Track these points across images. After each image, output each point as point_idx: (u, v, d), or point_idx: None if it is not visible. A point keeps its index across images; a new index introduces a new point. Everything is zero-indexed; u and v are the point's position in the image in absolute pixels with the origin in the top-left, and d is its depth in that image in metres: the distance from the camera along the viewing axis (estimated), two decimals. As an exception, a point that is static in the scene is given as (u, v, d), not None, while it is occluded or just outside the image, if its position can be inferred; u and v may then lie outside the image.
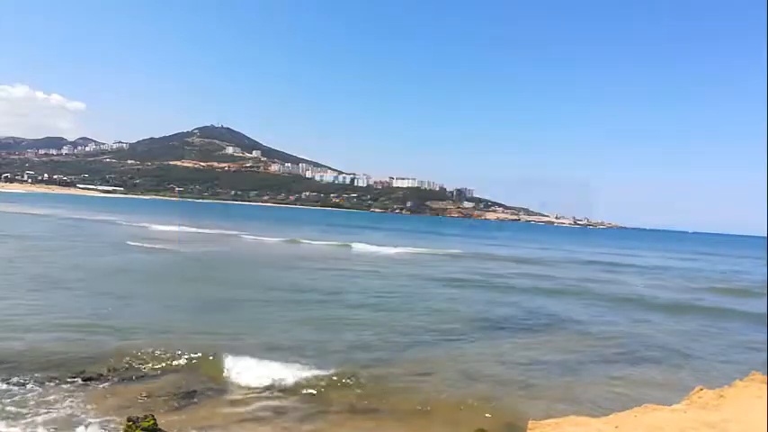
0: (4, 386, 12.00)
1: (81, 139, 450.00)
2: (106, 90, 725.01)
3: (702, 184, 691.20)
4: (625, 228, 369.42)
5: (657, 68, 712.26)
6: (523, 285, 36.50)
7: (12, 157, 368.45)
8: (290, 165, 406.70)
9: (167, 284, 27.40)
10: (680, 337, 23.06)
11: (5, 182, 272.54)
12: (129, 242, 45.52)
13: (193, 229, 67.48)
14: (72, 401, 11.49)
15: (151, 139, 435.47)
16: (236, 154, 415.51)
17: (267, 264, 39.16)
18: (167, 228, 66.48)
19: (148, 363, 14.23)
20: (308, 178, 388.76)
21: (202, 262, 38.19)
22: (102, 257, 35.37)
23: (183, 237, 57.26)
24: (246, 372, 14.01)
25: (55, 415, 10.76)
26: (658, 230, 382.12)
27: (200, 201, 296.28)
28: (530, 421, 9.25)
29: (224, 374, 13.79)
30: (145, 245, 44.33)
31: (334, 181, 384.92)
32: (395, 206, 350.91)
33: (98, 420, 10.67)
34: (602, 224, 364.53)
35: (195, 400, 12.15)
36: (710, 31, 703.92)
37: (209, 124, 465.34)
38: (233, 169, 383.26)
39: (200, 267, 35.34)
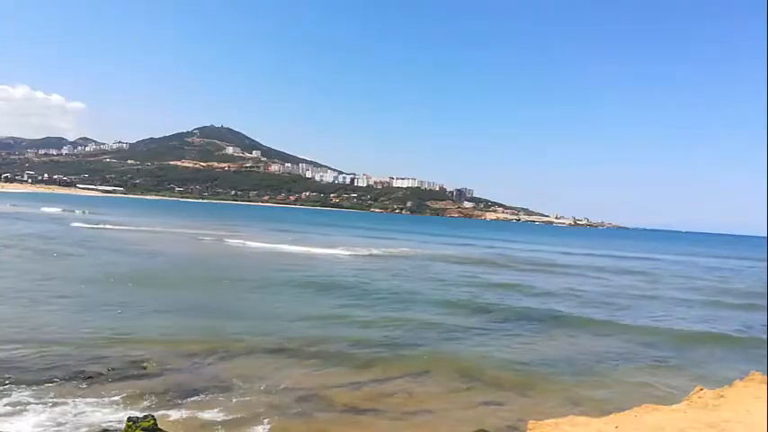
0: (4, 386, 12.01)
1: (81, 139, 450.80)
2: (106, 90, 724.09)
3: (703, 185, 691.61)
4: (625, 228, 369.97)
5: (658, 68, 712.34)
6: (429, 294, 29.37)
7: (12, 157, 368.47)
8: (290, 165, 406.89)
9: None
10: (678, 337, 23.07)
11: (5, 182, 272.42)
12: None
13: (156, 228, 65.35)
14: (72, 401, 11.50)
15: (151, 139, 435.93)
16: (236, 154, 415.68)
17: (164, 267, 34.33)
18: (121, 227, 63.38)
19: (149, 362, 14.25)
20: (308, 178, 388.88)
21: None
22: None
23: (128, 237, 52.23)
24: (243, 373, 14.05)
25: (55, 415, 10.77)
26: (656, 230, 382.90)
27: (200, 201, 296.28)
28: (530, 421, 9.25)
29: (223, 374, 13.81)
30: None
31: (334, 181, 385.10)
32: (395, 206, 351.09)
33: (98, 420, 10.68)
34: (602, 224, 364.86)
35: (196, 399, 12.16)
36: (710, 31, 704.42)
37: (209, 124, 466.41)
38: (233, 169, 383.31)
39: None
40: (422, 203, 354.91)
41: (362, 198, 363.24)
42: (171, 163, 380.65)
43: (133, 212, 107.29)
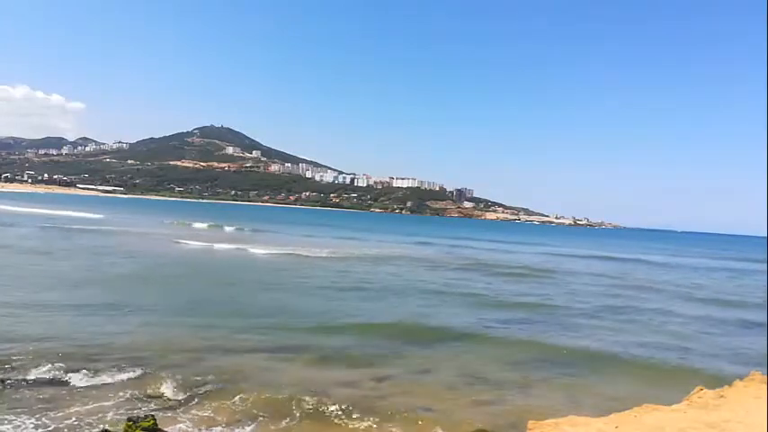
0: (5, 385, 12.02)
1: (81, 139, 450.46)
2: (106, 90, 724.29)
3: (703, 185, 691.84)
4: (624, 228, 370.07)
5: (658, 68, 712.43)
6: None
7: (12, 157, 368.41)
8: (290, 165, 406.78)
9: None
10: (679, 336, 23.06)
11: (5, 182, 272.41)
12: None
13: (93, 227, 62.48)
14: (72, 401, 11.50)
15: (151, 139, 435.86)
16: (236, 154, 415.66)
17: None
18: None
19: (149, 362, 14.25)
20: (308, 178, 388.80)
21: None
22: None
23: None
24: (245, 371, 14.06)
25: (54, 415, 10.77)
26: (655, 230, 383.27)
27: (200, 201, 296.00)
28: (530, 421, 9.24)
29: (224, 374, 13.81)
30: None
31: (334, 181, 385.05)
32: (395, 206, 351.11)
33: (98, 420, 10.68)
34: (601, 224, 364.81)
35: (196, 399, 12.17)
36: (710, 31, 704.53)
37: (209, 124, 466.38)
38: (233, 169, 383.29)
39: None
40: (422, 203, 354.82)
41: (362, 198, 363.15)
42: (171, 163, 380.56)
43: (107, 210, 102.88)
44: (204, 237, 57.90)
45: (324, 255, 48.88)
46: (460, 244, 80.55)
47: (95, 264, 32.84)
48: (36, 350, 14.53)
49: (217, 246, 48.96)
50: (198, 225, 78.38)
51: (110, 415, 10.96)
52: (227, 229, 75.75)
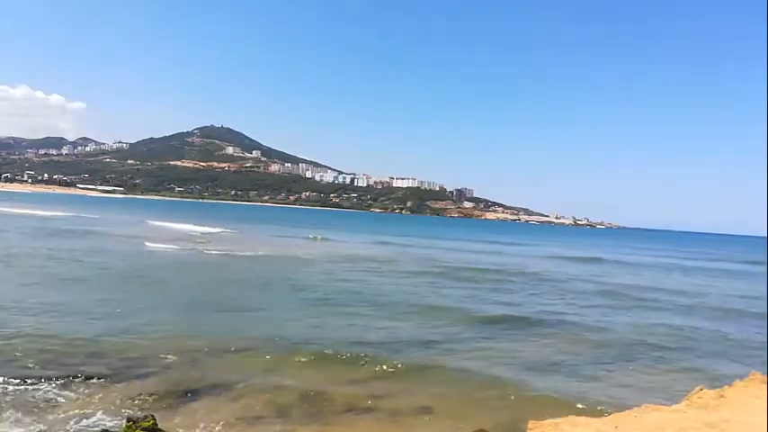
0: (3, 386, 12.01)
1: (81, 139, 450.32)
2: (106, 90, 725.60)
3: (704, 184, 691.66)
4: (624, 227, 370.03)
5: (658, 68, 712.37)
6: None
7: (12, 157, 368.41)
8: (290, 165, 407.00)
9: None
10: (680, 336, 23.04)
11: (5, 182, 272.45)
12: None
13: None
14: (72, 401, 11.50)
15: (151, 139, 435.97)
16: (236, 154, 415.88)
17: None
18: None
19: (149, 362, 14.25)
20: (308, 178, 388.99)
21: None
22: None
23: None
24: (243, 371, 14.05)
25: (54, 415, 10.77)
26: (653, 230, 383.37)
27: (200, 201, 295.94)
28: (530, 421, 9.22)
29: (223, 373, 13.81)
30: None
31: (334, 181, 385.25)
32: (395, 206, 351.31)
33: (98, 420, 10.67)
34: (601, 224, 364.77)
35: (196, 399, 12.16)
36: (708, 31, 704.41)
37: (209, 124, 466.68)
38: (233, 169, 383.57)
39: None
40: (422, 203, 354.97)
41: (362, 198, 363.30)
42: (171, 163, 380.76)
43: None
44: (172, 237, 54.96)
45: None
46: (436, 245, 75.88)
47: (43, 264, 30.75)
48: (35, 349, 14.53)
49: (177, 246, 46.76)
50: (176, 226, 75.12)
51: (110, 415, 10.95)
52: (203, 229, 72.02)
